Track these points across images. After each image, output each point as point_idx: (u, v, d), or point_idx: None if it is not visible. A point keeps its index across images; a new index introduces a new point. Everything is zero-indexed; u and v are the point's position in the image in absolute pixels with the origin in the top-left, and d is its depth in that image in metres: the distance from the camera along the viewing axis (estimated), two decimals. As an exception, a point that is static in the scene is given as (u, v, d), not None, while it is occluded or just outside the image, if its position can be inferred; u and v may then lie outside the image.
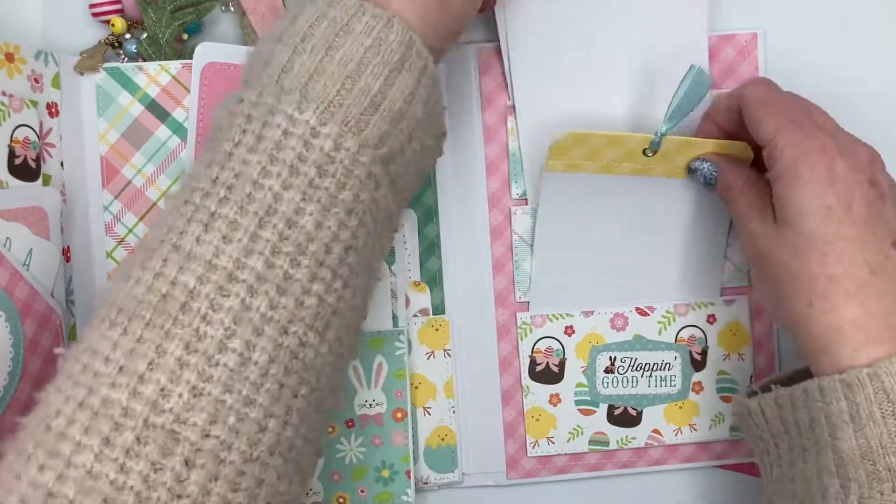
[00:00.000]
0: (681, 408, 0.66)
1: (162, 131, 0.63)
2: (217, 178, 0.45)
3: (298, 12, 0.48)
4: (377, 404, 0.64)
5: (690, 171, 0.61)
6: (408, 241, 0.65)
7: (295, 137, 0.45)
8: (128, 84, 0.62)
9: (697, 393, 0.66)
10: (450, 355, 0.66)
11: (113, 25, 0.62)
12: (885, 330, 0.50)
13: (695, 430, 0.66)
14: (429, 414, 0.66)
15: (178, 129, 0.63)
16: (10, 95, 0.56)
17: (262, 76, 0.47)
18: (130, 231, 0.63)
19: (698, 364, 0.66)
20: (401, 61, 0.47)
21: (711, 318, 0.66)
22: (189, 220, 0.44)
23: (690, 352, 0.66)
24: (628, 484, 0.67)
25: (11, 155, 0.55)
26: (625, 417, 0.66)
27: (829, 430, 0.50)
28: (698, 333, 0.66)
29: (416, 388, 0.66)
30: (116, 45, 0.63)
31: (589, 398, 0.66)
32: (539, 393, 0.66)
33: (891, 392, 0.48)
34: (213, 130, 0.48)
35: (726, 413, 0.66)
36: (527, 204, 0.65)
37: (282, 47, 0.47)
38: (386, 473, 0.65)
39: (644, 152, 0.61)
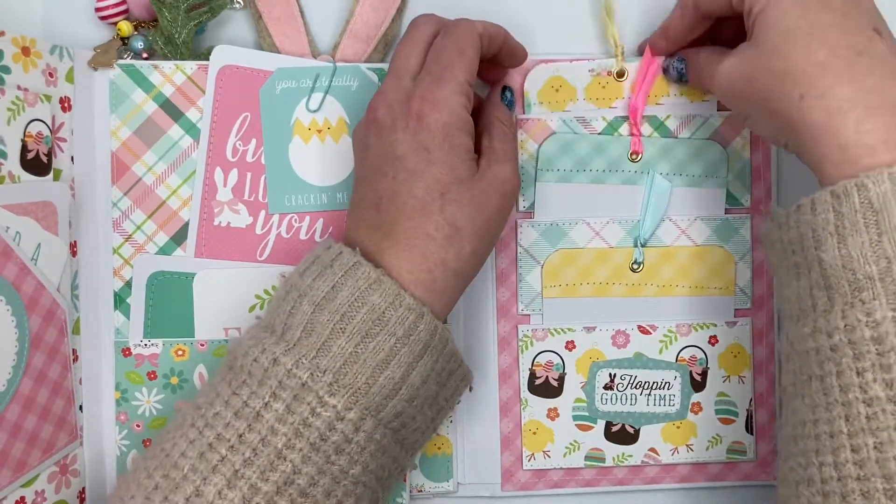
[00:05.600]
0: (678, 427, 0.66)
1: (175, 130, 0.63)
2: (243, 435, 0.50)
3: (335, 280, 0.52)
4: (376, 410, 0.64)
5: (663, 70, 0.63)
6: (413, 250, 0.65)
7: (321, 419, 0.50)
8: (142, 82, 0.62)
9: (696, 413, 0.66)
10: (450, 365, 0.66)
11: (119, 30, 0.62)
12: (882, 105, 0.49)
13: (691, 450, 0.66)
14: (427, 422, 0.66)
15: (191, 129, 0.63)
16: (25, 89, 0.56)
17: (299, 340, 0.51)
18: (138, 228, 0.63)
19: (698, 385, 0.66)
20: (424, 348, 0.53)
21: (713, 340, 0.66)
22: (213, 470, 0.50)
23: (691, 372, 0.66)
24: (623, 501, 0.67)
25: (24, 149, 0.55)
26: (622, 435, 0.66)
27: (815, 244, 0.49)
28: (699, 354, 0.66)
29: (416, 395, 0.66)
30: (123, 42, 0.63)
31: (587, 414, 0.66)
32: (537, 406, 0.66)
33: (875, 201, 0.47)
34: (237, 359, 0.52)
35: (724, 435, 0.66)
36: (532, 217, 0.65)
37: (322, 317, 0.51)
38: (382, 479, 0.65)
39: (630, 268, 0.64)
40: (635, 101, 0.63)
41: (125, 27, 0.63)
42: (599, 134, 0.64)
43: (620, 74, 0.64)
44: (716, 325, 0.66)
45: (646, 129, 0.64)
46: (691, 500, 0.67)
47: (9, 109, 0.54)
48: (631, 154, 0.64)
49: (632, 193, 0.65)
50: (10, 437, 0.54)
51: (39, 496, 0.58)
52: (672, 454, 0.66)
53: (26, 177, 0.56)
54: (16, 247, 0.54)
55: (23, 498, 0.56)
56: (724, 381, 0.66)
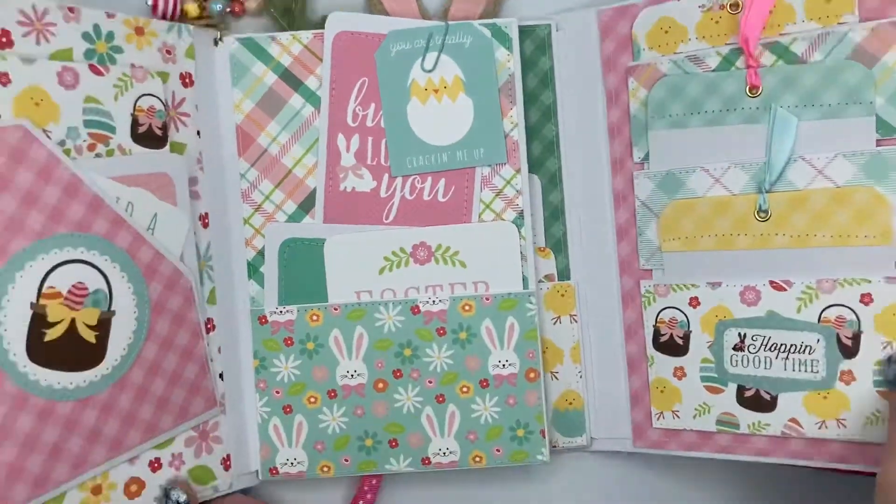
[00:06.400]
0: (825, 398, 0.58)
1: (295, 100, 0.65)
2: None
3: None
4: (510, 364, 0.64)
5: (888, 361, 0.55)
6: (533, 207, 0.64)
7: None
8: (261, 54, 0.65)
9: (847, 384, 0.57)
10: (576, 321, 0.65)
11: (185, 13, 0.65)
12: None
13: (843, 425, 0.58)
14: (556, 378, 0.65)
15: (311, 98, 0.65)
16: (140, 67, 0.60)
17: None
18: (267, 198, 0.66)
19: (848, 350, 0.57)
20: None
21: (866, 298, 0.57)
22: None
23: (838, 335, 0.57)
24: (767, 474, 0.61)
25: (135, 123, 0.59)
26: (757, 401, 0.60)
27: None
28: (849, 315, 0.57)
29: (544, 352, 0.65)
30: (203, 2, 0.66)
31: (716, 375, 0.61)
32: (663, 364, 0.62)
33: None
34: None
35: (886, 411, 0.57)
36: (647, 168, 0.61)
37: None
38: (521, 433, 0.64)
39: (756, 216, 0.58)
40: (746, 29, 0.56)
41: (192, 9, 0.65)
42: (713, 71, 0.58)
43: (735, 6, 0.57)
44: (869, 282, 0.57)
45: (767, 58, 0.57)
46: (848, 486, 0.59)
47: (115, 86, 0.58)
48: (749, 89, 0.57)
49: (753, 133, 0.58)
50: (134, 399, 0.58)
51: (177, 459, 0.62)
52: (819, 428, 0.58)
53: (137, 149, 0.59)
54: (128, 217, 0.58)
55: (158, 459, 0.60)
56: (883, 348, 0.57)
